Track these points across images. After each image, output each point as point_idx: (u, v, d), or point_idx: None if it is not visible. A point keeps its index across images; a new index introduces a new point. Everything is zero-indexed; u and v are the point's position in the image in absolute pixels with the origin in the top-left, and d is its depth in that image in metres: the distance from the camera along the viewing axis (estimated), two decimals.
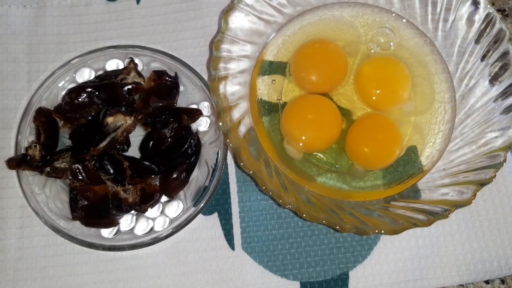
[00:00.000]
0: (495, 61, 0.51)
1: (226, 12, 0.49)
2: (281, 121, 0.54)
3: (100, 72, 0.57)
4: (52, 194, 0.53)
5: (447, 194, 0.48)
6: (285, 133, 0.54)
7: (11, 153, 0.55)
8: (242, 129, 0.50)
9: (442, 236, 0.54)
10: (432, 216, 0.45)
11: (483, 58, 0.52)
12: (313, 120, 0.53)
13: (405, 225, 0.45)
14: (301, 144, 0.53)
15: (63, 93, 0.55)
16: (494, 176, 0.46)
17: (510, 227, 0.54)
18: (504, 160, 0.47)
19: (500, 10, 0.64)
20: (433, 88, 0.55)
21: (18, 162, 0.51)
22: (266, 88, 0.55)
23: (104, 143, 0.50)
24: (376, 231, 0.44)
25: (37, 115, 0.53)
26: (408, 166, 0.54)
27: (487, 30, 0.51)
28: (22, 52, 0.59)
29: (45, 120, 0.53)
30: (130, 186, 0.51)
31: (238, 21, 0.50)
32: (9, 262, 0.53)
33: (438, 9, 0.55)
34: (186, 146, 0.52)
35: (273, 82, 0.56)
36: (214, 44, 0.49)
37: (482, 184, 0.46)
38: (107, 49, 0.57)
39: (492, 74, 0.52)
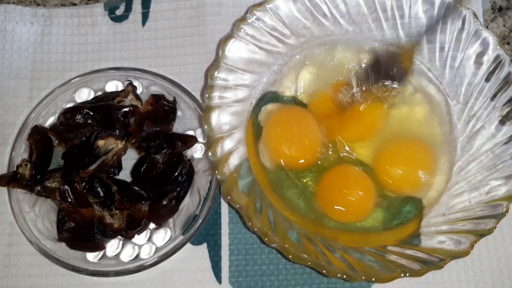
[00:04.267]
0: (504, 105, 0.49)
1: (224, 41, 0.48)
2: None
3: (99, 93, 0.56)
4: (42, 213, 0.53)
5: (444, 243, 0.45)
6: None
7: (4, 169, 0.55)
8: (234, 160, 0.48)
9: (441, 284, 0.51)
10: (426, 266, 0.43)
11: (491, 100, 0.50)
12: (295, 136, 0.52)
13: (395, 273, 0.42)
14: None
15: (59, 112, 0.55)
16: (495, 227, 0.43)
17: None
18: (507, 211, 0.44)
19: None
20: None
21: (8, 180, 0.51)
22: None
23: (93, 166, 0.50)
24: (363, 277, 0.42)
25: (32, 133, 0.53)
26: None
27: (496, 72, 0.49)
28: (26, 69, 0.59)
29: (39, 139, 0.53)
30: (117, 211, 0.50)
31: (236, 50, 0.49)
32: None
33: (446, 49, 0.53)
34: (176, 173, 0.51)
35: None
36: (209, 72, 0.47)
37: (481, 234, 0.44)
38: (108, 70, 0.57)
39: (500, 118, 0.49)
